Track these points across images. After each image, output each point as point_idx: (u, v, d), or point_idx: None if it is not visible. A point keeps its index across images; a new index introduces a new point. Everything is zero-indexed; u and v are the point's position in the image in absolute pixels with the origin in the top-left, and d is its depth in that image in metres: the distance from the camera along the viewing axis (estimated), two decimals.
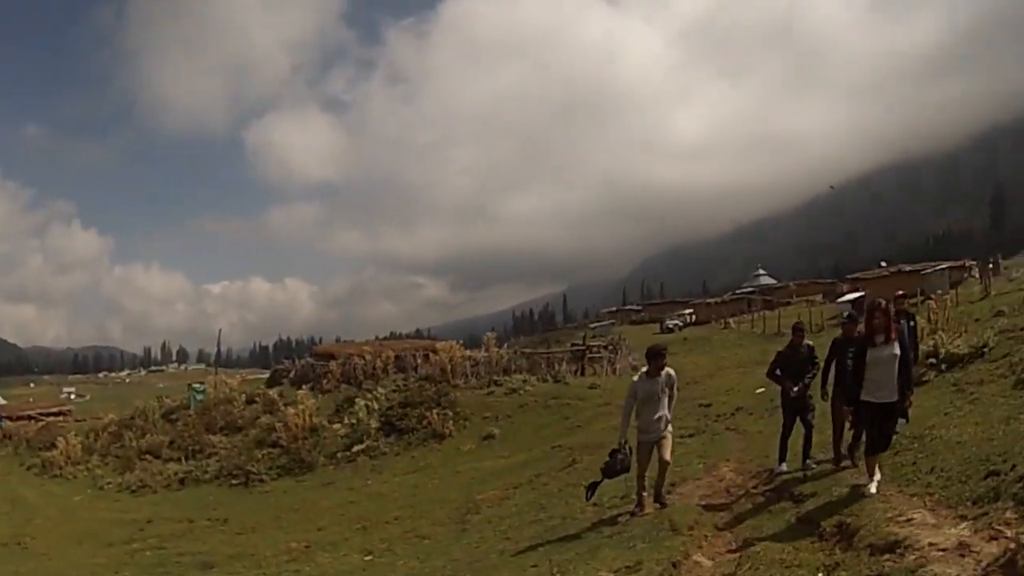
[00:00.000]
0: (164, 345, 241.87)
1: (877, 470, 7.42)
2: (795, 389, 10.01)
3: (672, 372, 9.34)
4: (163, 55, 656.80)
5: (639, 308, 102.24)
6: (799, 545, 6.39)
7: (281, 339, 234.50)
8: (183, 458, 23.95)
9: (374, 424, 22.90)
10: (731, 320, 61.55)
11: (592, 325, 79.47)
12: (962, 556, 5.04)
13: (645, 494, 9.30)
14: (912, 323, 11.29)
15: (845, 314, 10.48)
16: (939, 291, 39.38)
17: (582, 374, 31.15)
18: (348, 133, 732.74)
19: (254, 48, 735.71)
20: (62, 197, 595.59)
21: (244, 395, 29.03)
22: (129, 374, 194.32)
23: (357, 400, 24.57)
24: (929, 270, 54.31)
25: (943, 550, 5.09)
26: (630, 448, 9.34)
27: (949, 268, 54.98)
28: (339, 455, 21.93)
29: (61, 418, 45.91)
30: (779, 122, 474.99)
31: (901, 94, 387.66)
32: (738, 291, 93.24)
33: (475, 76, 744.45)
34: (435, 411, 23.45)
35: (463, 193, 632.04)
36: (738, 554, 6.57)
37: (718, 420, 17.01)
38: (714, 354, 41.22)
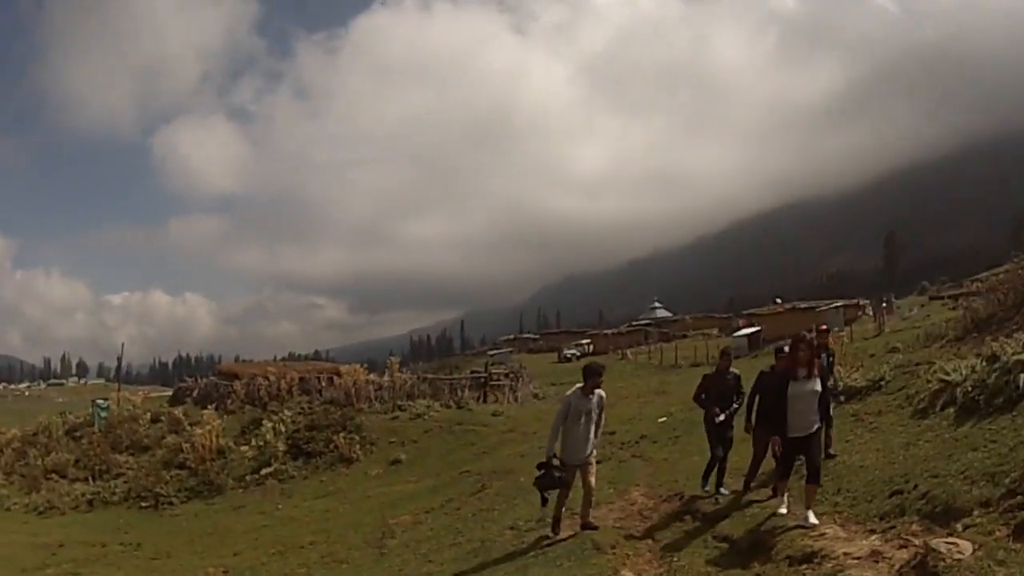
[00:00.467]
0: (64, 357, 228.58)
1: (784, 498, 7.77)
2: (721, 416, 10.24)
3: (603, 394, 9.40)
4: (78, 51, 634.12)
5: (536, 336, 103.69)
6: (719, 560, 7.18)
7: (181, 355, 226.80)
8: (90, 478, 23.15)
9: (281, 447, 22.86)
10: (628, 351, 63.36)
11: (491, 352, 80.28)
12: (876, 562, 5.77)
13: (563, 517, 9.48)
14: (831, 358, 11.86)
15: (776, 348, 10.57)
16: (836, 328, 41.72)
17: (484, 401, 31.71)
18: (253, 145, 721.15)
19: (167, 51, 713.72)
20: None
21: (149, 413, 28.35)
22: (29, 387, 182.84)
23: (264, 422, 24.43)
24: (824, 307, 56.66)
25: (858, 558, 5.82)
26: (561, 462, 9.27)
27: (844, 306, 57.62)
28: (248, 478, 21.76)
29: None
30: (677, 160, 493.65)
31: (797, 139, 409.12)
32: (635, 323, 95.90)
33: (381, 97, 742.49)
34: (342, 435, 23.56)
35: (364, 214, 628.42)
36: (663, 570, 7.26)
37: (623, 448, 17.71)
38: (613, 384, 42.16)
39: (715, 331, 74.54)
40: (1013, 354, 9.26)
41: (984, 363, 10.06)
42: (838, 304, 57.94)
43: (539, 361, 63.07)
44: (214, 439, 23.17)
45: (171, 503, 20.78)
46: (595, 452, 9.51)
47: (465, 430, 25.78)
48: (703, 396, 10.67)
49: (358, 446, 23.40)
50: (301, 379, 31.10)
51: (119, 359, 47.87)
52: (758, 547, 7.17)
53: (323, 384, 30.73)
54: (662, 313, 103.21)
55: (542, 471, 9.30)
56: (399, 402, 28.55)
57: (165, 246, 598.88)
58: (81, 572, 14.40)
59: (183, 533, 17.31)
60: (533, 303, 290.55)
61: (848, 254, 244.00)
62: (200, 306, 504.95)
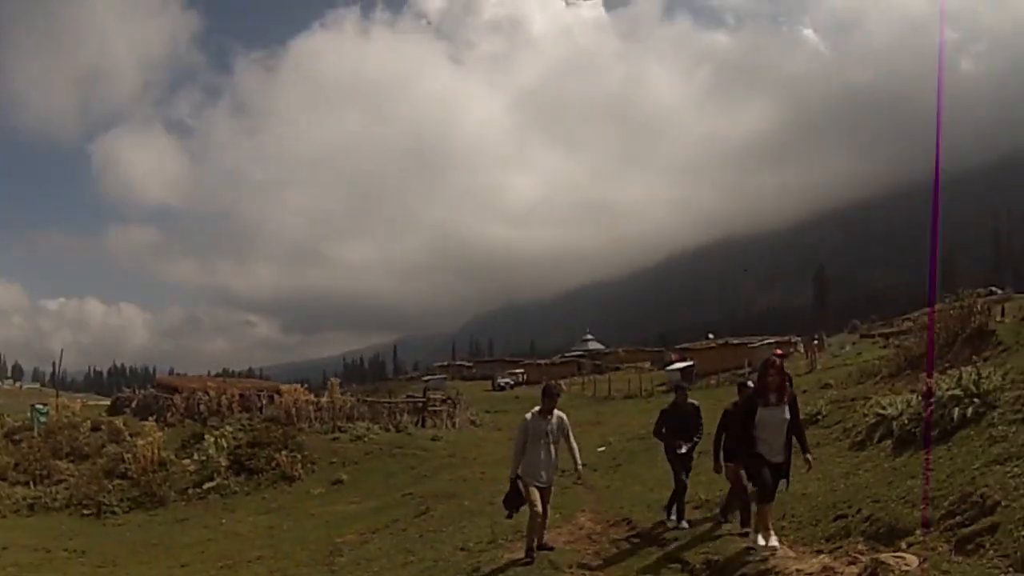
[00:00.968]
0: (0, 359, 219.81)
1: (768, 521, 7.60)
2: (683, 448, 10.33)
3: (564, 417, 9.56)
4: (19, 53, 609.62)
5: (470, 364, 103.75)
6: None
7: (116, 365, 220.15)
8: (31, 483, 22.72)
9: (224, 462, 22.81)
10: (562, 382, 64.00)
11: (426, 378, 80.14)
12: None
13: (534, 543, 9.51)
14: (790, 385, 12.33)
15: (740, 383, 10.74)
16: None
17: (423, 426, 32.02)
18: (190, 159, 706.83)
19: (108, 59, 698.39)
20: None
21: (89, 421, 27.90)
22: None
23: (206, 437, 24.34)
24: (756, 343, 57.60)
25: (810, 574, 6.35)
26: (522, 483, 9.34)
27: (775, 342, 56.61)
28: (190, 491, 21.65)
29: None
30: (610, 194, 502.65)
31: (730, 176, 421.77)
32: (567, 353, 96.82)
33: (318, 118, 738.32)
34: (283, 453, 23.66)
35: (299, 235, 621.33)
36: None
37: (564, 475, 18.21)
38: None
39: (647, 364, 75.73)
40: (947, 390, 9.77)
41: (919, 398, 10.73)
42: (770, 340, 58.14)
43: (472, 388, 63.19)
44: (156, 451, 23.00)
45: (114, 512, 20.57)
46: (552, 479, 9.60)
47: (405, 454, 26.09)
48: (663, 430, 10.70)
49: (300, 465, 23.53)
50: (241, 396, 30.99)
51: (56, 365, 46.67)
52: (711, 567, 7.66)
53: (264, 402, 30.68)
54: (594, 345, 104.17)
55: (512, 489, 9.51)
56: (339, 423, 28.73)
57: (102, 254, 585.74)
58: None
59: (127, 543, 17.16)
60: (466, 331, 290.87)
61: (779, 291, 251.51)
62: (135, 317, 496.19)
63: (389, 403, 34.78)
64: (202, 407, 30.11)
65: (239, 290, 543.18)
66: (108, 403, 41.22)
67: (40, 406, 30.02)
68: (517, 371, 78.77)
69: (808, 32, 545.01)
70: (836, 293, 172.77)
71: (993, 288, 73.10)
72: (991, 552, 5.79)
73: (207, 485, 21.86)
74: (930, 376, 12.02)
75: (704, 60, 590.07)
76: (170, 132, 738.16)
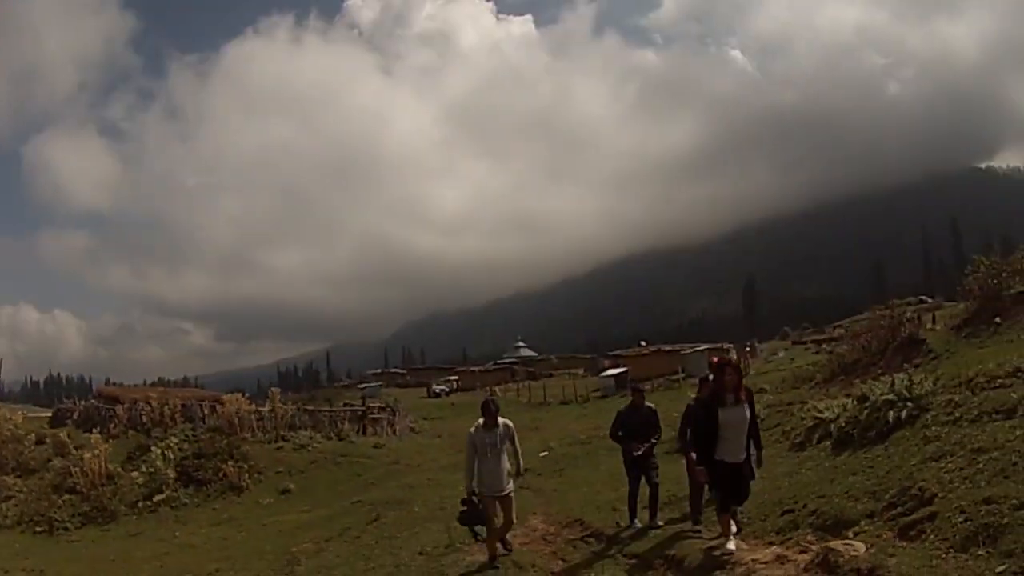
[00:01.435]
0: None
1: (733, 526, 7.73)
2: (639, 449, 10.28)
3: (510, 424, 9.67)
4: None
5: (404, 372, 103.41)
6: (634, 573, 8.23)
7: (52, 375, 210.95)
8: None
9: (172, 474, 22.53)
10: (496, 388, 64.56)
11: (361, 386, 79.67)
12: (782, 564, 6.87)
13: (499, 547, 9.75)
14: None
15: (701, 377, 11.02)
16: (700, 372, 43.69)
17: (364, 434, 32.15)
18: (123, 163, 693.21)
19: (44, 57, 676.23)
20: None
21: (33, 434, 27.18)
22: None
23: (153, 448, 24.04)
24: (689, 350, 58.31)
25: (765, 562, 6.93)
26: (480, 498, 9.48)
27: (708, 349, 57.62)
28: (140, 504, 21.32)
29: None
30: (538, 205, 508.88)
31: (657, 189, 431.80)
32: (500, 360, 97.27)
33: (249, 124, 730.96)
34: (230, 463, 23.58)
35: (229, 241, 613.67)
36: None
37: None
38: None
39: (581, 371, 76.71)
40: (881, 395, 10.59)
41: (855, 402, 11.45)
42: (703, 347, 59.17)
43: (408, 396, 63.23)
44: (103, 464, 22.63)
45: (67, 528, 20.14)
46: (512, 482, 9.71)
47: (350, 462, 26.28)
48: (620, 433, 10.72)
49: (247, 475, 23.51)
50: (183, 406, 30.60)
51: None
52: (668, 561, 8.12)
53: (206, 412, 30.40)
54: (526, 352, 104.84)
55: (465, 507, 9.61)
56: (282, 433, 28.68)
57: (34, 259, 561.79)
58: None
59: (84, 560, 16.80)
60: (397, 339, 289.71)
61: (707, 300, 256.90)
62: (70, 324, 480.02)
63: (330, 411, 34.82)
64: (144, 418, 29.64)
65: (173, 297, 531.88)
66: (47, 414, 40.08)
67: None
68: (451, 378, 78.98)
69: (736, 53, 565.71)
70: (764, 302, 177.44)
71: (923, 298, 76.77)
72: (932, 537, 6.43)
73: (157, 498, 21.57)
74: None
75: (632, 77, 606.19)
76: (103, 135, 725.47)
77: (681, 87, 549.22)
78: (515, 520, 9.81)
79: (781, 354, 54.86)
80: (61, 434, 26.99)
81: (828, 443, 11.34)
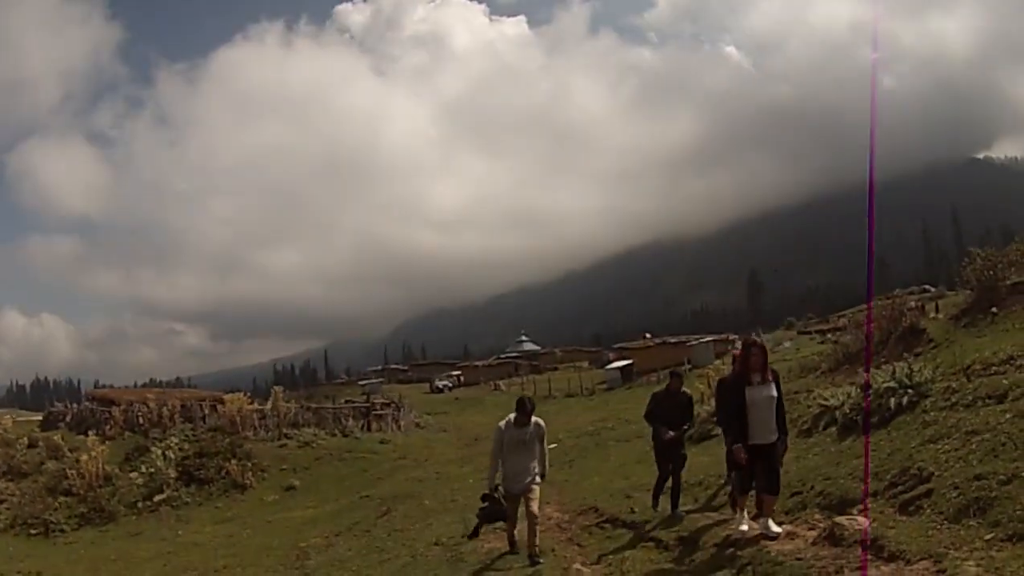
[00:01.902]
0: None
1: (743, 508, 7.68)
2: (670, 434, 10.06)
3: (542, 423, 9.36)
4: None
5: (406, 368, 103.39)
6: (651, 555, 8.29)
7: (39, 379, 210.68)
8: None
9: (172, 473, 22.63)
10: (501, 382, 64.70)
11: (362, 382, 79.81)
12: (792, 539, 7.11)
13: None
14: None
15: (734, 357, 10.43)
16: (707, 363, 43.64)
17: (369, 430, 32.20)
18: (112, 169, 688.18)
19: (29, 68, 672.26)
20: None
21: (25, 438, 27.20)
22: None
23: (152, 449, 24.09)
24: (694, 342, 58.48)
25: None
26: (502, 495, 9.22)
27: (713, 340, 58.30)
28: (140, 505, 21.41)
29: None
30: (538, 201, 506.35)
31: (657, 183, 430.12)
32: (503, 355, 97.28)
33: (241, 128, 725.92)
34: (233, 462, 23.66)
35: (223, 243, 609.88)
36: (611, 569, 8.28)
37: None
38: (489, 414, 43.53)
39: (585, 364, 76.53)
40: (883, 382, 10.69)
41: (858, 390, 11.64)
42: (707, 339, 59.18)
43: (410, 392, 63.20)
44: (100, 466, 22.67)
45: (62, 530, 20.19)
46: (538, 479, 9.29)
47: (355, 457, 26.36)
48: (654, 414, 10.40)
49: (250, 473, 23.59)
50: (183, 406, 30.65)
51: None
52: (685, 542, 8.29)
53: (206, 412, 30.45)
54: (529, 346, 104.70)
55: (486, 503, 9.29)
56: (285, 430, 28.74)
57: (21, 265, 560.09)
58: None
59: (83, 560, 16.79)
60: (397, 335, 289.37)
61: (710, 292, 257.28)
62: (58, 329, 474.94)
63: (334, 408, 34.88)
64: (142, 419, 29.68)
65: (165, 299, 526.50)
66: (37, 418, 40.08)
67: None
68: (454, 373, 79.02)
69: (731, 50, 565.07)
70: (766, 293, 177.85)
71: (926, 287, 77.03)
72: (928, 511, 6.75)
73: (157, 497, 21.65)
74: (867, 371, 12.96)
75: (629, 74, 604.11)
76: (91, 143, 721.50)
77: (678, 84, 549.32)
78: (537, 513, 9.23)
79: (787, 344, 54.60)
80: (55, 437, 26.97)
81: (834, 429, 11.52)
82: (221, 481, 23.02)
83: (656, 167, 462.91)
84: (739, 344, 51.76)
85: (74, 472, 22.39)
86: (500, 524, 9.79)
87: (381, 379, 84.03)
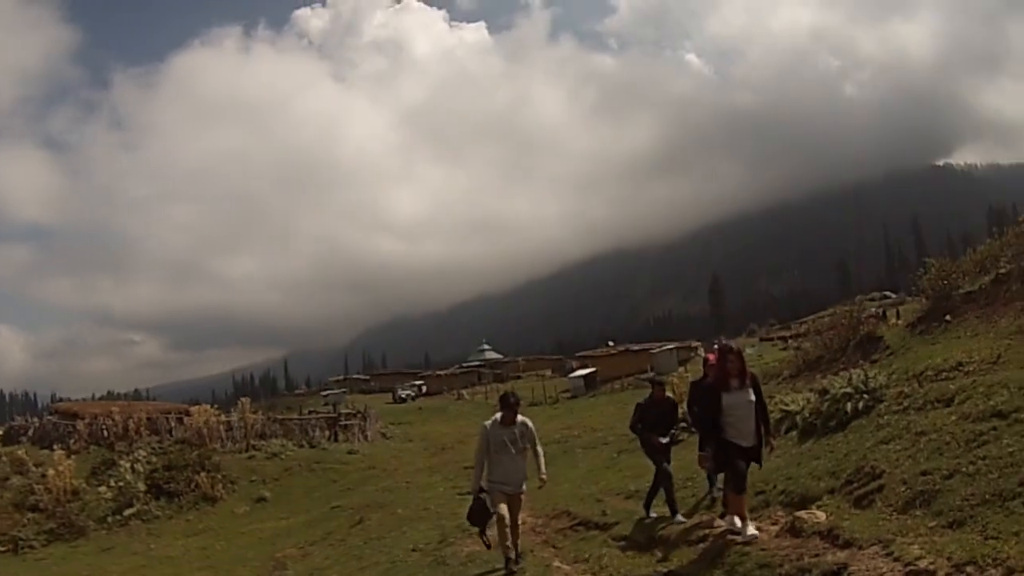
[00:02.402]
0: None
1: (744, 509, 7.76)
2: (665, 439, 10.30)
3: (529, 423, 9.04)
4: None
5: (367, 377, 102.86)
6: (627, 554, 8.82)
7: None
8: None
9: (142, 487, 22.56)
10: (464, 391, 64.89)
11: (324, 393, 79.33)
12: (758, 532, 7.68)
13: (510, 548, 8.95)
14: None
15: (704, 360, 10.51)
16: (671, 370, 44.03)
17: (336, 440, 32.29)
18: (65, 175, 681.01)
19: None
20: None
21: None
22: None
23: (120, 462, 24.01)
24: (658, 349, 58.66)
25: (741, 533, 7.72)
26: (487, 495, 8.82)
27: (677, 348, 58.84)
28: (110, 519, 21.22)
29: None
30: (499, 208, 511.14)
31: (617, 190, 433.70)
32: (465, 364, 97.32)
33: (198, 134, 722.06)
34: (202, 474, 23.65)
35: (180, 251, 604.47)
36: (587, 562, 8.81)
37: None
38: (453, 423, 43.98)
39: (548, 372, 76.87)
40: (840, 388, 11.51)
41: (817, 395, 12.34)
42: (671, 346, 59.50)
43: (373, 402, 63.03)
44: (68, 480, 22.56)
45: (32, 547, 19.93)
46: (524, 488, 9.10)
47: (325, 468, 26.49)
48: (639, 425, 10.53)
49: (220, 485, 23.59)
50: (149, 419, 30.51)
51: None
52: (656, 541, 8.88)
53: (173, 424, 30.35)
54: (491, 355, 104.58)
55: (475, 503, 8.90)
56: (252, 442, 28.78)
57: None
58: None
59: None
60: (357, 344, 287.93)
61: (673, 299, 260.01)
62: (11, 340, 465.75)
63: (300, 419, 34.87)
64: (107, 432, 29.48)
65: (121, 309, 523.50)
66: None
67: None
68: (417, 383, 78.94)
69: (692, 56, 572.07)
70: (730, 300, 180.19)
71: (887, 293, 78.77)
72: (880, 504, 7.45)
73: (127, 512, 21.52)
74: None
75: (590, 80, 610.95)
76: (45, 148, 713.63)
77: (639, 90, 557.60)
78: (518, 524, 9.19)
79: (750, 351, 55.25)
80: (19, 452, 26.70)
81: (795, 433, 12.17)
82: (191, 494, 22.96)
83: (618, 174, 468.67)
84: (703, 351, 53.01)
85: (41, 487, 22.20)
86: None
87: (344, 389, 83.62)
